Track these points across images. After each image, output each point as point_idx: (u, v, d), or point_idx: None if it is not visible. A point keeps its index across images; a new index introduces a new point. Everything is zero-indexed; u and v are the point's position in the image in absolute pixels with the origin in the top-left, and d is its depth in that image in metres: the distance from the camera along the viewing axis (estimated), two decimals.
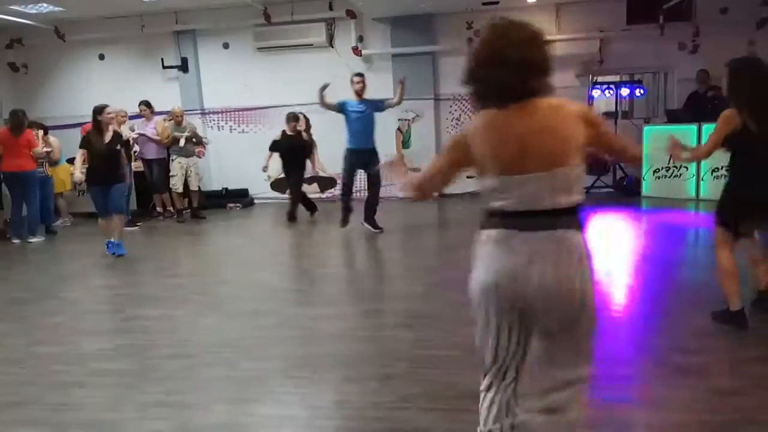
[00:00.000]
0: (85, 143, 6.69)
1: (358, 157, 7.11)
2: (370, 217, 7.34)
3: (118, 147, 6.80)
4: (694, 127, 8.40)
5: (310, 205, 9.02)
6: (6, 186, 8.17)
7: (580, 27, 9.65)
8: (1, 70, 11.05)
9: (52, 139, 9.11)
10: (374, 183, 7.28)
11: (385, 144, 10.41)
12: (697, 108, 8.72)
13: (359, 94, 7.15)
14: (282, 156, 8.58)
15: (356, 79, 7.20)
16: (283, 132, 8.62)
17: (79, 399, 3.19)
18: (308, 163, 8.80)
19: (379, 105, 7.29)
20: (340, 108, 7.12)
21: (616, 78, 9.97)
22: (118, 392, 3.24)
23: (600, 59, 9.71)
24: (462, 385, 3.07)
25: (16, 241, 7.98)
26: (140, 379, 3.39)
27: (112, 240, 6.76)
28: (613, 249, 6.06)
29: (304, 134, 8.68)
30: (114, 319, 4.63)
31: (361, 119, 7.11)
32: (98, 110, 6.69)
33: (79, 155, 6.73)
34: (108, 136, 6.67)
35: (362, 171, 7.42)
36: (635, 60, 9.68)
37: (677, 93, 9.65)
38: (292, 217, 8.57)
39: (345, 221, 7.42)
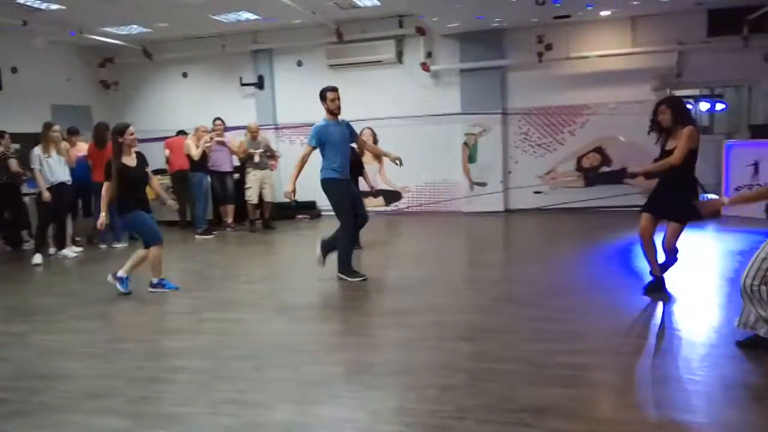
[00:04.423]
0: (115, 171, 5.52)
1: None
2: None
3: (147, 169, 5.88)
4: None
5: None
6: (96, 195, 8.75)
7: (657, 39, 9.37)
8: (94, 87, 11.91)
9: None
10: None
11: (451, 158, 10.53)
12: None
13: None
14: None
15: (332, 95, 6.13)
16: None
17: (157, 393, 3.41)
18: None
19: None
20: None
21: (695, 92, 9.58)
22: (193, 388, 3.45)
23: (678, 72, 9.40)
24: (521, 399, 3.07)
25: (102, 246, 8.55)
26: (213, 378, 3.59)
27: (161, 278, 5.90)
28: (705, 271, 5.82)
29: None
30: (190, 321, 4.90)
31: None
32: (119, 131, 5.60)
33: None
34: (133, 159, 5.75)
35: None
36: (716, 73, 9.30)
37: (762, 107, 9.18)
38: None
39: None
